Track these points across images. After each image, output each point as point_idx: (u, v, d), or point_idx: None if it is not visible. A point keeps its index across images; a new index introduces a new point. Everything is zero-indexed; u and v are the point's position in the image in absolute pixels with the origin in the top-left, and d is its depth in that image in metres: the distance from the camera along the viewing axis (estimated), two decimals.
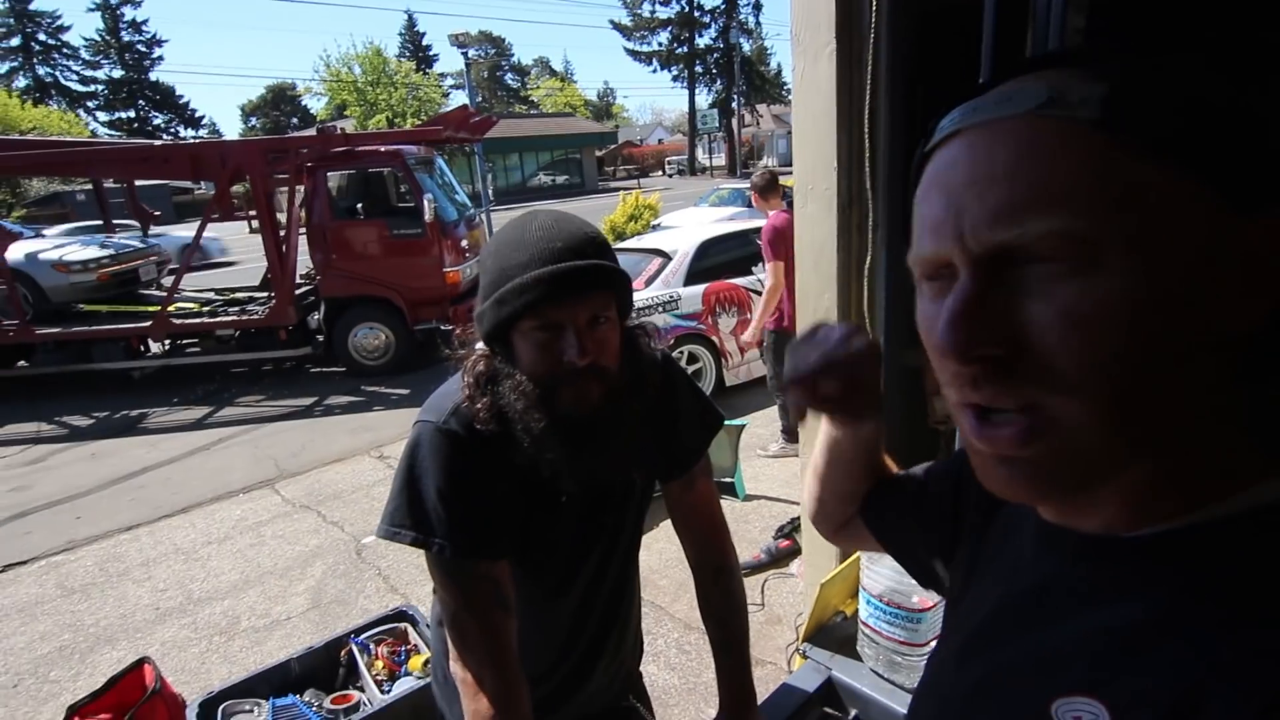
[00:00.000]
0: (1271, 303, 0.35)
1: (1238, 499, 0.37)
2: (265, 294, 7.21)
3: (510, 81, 55.38)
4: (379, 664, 2.31)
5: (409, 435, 0.97)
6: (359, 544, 3.71)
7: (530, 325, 0.89)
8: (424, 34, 47.99)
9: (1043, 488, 0.39)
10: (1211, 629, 0.35)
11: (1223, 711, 0.32)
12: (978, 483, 0.58)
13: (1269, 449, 0.38)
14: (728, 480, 3.85)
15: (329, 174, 6.59)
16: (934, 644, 0.60)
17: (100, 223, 8.67)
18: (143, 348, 7.03)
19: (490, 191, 13.14)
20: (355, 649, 2.35)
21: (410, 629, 2.46)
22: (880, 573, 1.35)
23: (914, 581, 1.30)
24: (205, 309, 7.07)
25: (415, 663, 2.31)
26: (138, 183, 7.90)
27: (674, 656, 2.72)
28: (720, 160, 42.01)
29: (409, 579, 3.36)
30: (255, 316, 6.65)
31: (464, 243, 6.87)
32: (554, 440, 0.90)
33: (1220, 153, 0.34)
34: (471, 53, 13.56)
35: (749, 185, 3.70)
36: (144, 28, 43.48)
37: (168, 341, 6.96)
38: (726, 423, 3.53)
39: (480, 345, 0.98)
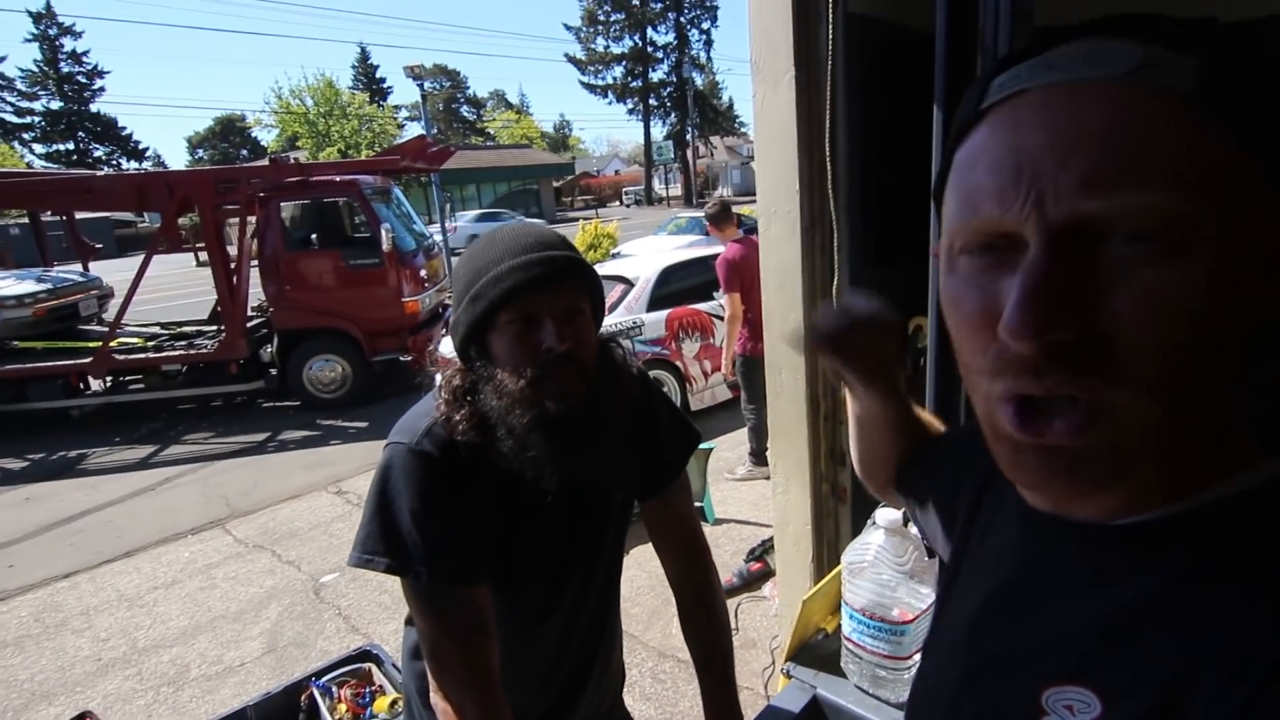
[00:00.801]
0: None
1: (1225, 486, 0.37)
2: (214, 327, 6.99)
3: (466, 114, 55.49)
4: (342, 708, 2.20)
5: (380, 458, 0.94)
6: (317, 583, 3.56)
7: (507, 318, 0.89)
8: (377, 66, 47.87)
9: (1082, 481, 0.37)
10: (1200, 616, 0.34)
11: (1211, 698, 0.32)
12: (970, 471, 0.59)
13: (1256, 436, 0.38)
14: (697, 504, 3.84)
15: (282, 205, 6.46)
16: (919, 655, 0.60)
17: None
18: (82, 385, 6.71)
19: (449, 222, 13.07)
20: (316, 693, 2.24)
21: (375, 669, 2.36)
22: (862, 586, 1.35)
23: (898, 595, 1.31)
24: (150, 344, 6.80)
25: (381, 704, 2.21)
26: (78, 215, 7.62)
27: (649, 686, 2.67)
28: (676, 190, 42.73)
29: (370, 617, 3.24)
30: (204, 350, 6.43)
31: (423, 272, 6.79)
32: (537, 437, 0.89)
33: None
34: (427, 85, 13.59)
35: (704, 214, 3.81)
36: (84, 59, 42.48)
37: (109, 378, 6.68)
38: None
39: (450, 360, 0.97)
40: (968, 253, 0.39)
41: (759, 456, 4.28)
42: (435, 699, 0.91)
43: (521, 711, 1.03)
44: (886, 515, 1.39)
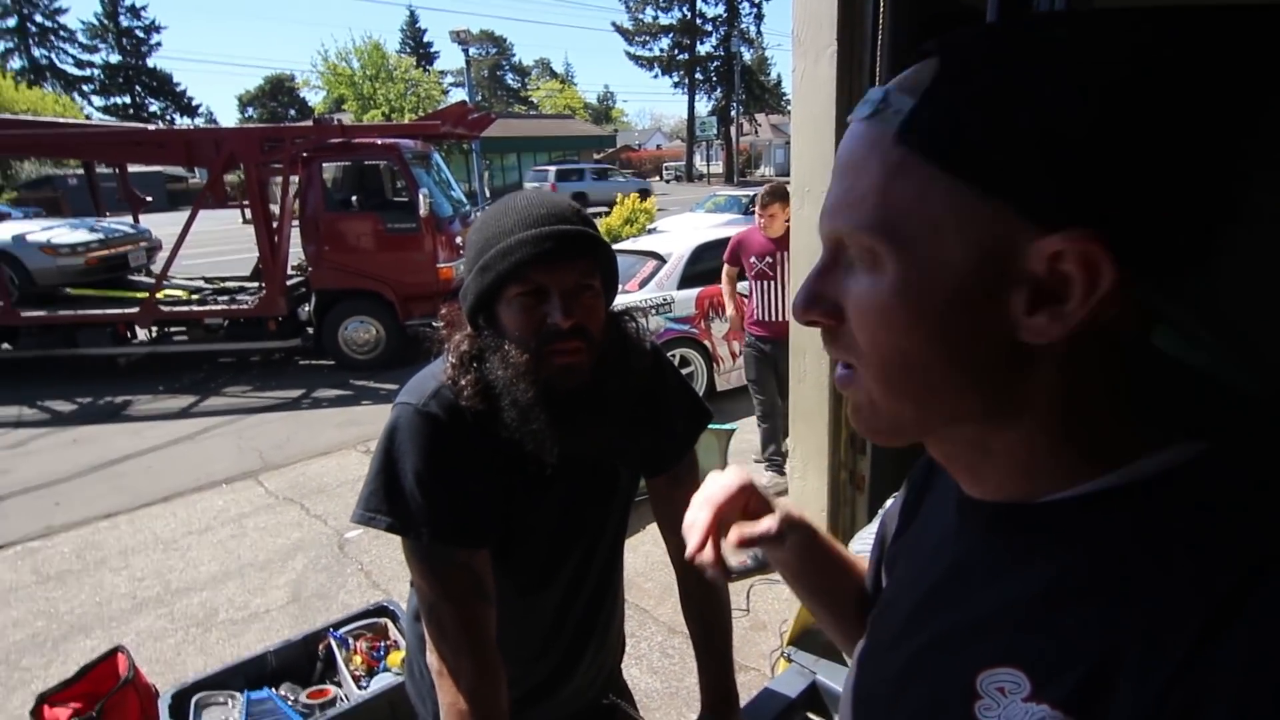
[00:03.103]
0: (1057, 318, 0.35)
1: (1135, 467, 0.38)
2: (255, 284, 7.14)
3: (510, 81, 55.39)
4: (357, 659, 2.27)
5: (388, 417, 0.95)
6: (342, 538, 3.66)
7: (515, 291, 0.88)
8: (425, 30, 48.01)
9: (866, 428, 0.45)
10: (1119, 591, 0.35)
11: (1138, 672, 0.32)
12: (906, 492, 0.63)
13: (1163, 423, 0.39)
14: None
15: (324, 165, 6.54)
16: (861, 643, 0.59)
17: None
18: (129, 334, 6.93)
19: (487, 190, 13.11)
20: (334, 643, 2.31)
21: (390, 624, 2.43)
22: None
23: None
24: (194, 297, 6.99)
25: (394, 659, 2.27)
26: (131, 169, 7.82)
27: (657, 660, 2.69)
28: (718, 168, 42.14)
29: (391, 574, 3.32)
30: (245, 306, 6.58)
31: (458, 239, 6.83)
32: (540, 410, 0.88)
33: (1000, 175, 0.35)
34: (472, 51, 13.56)
35: (758, 198, 3.83)
36: (143, 13, 43.29)
37: (155, 329, 6.88)
38: (717, 427, 3.54)
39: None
40: None
41: (776, 460, 4.07)
42: (431, 659, 0.93)
43: (516, 679, 1.04)
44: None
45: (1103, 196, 0.33)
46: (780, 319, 3.77)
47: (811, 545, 0.70)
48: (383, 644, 2.35)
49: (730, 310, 4.20)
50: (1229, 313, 0.38)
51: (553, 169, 23.57)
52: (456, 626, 0.90)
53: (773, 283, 3.79)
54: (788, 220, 3.54)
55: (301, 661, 2.32)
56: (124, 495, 4.29)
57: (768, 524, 0.64)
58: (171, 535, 3.80)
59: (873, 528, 1.35)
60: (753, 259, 3.82)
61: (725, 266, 4.13)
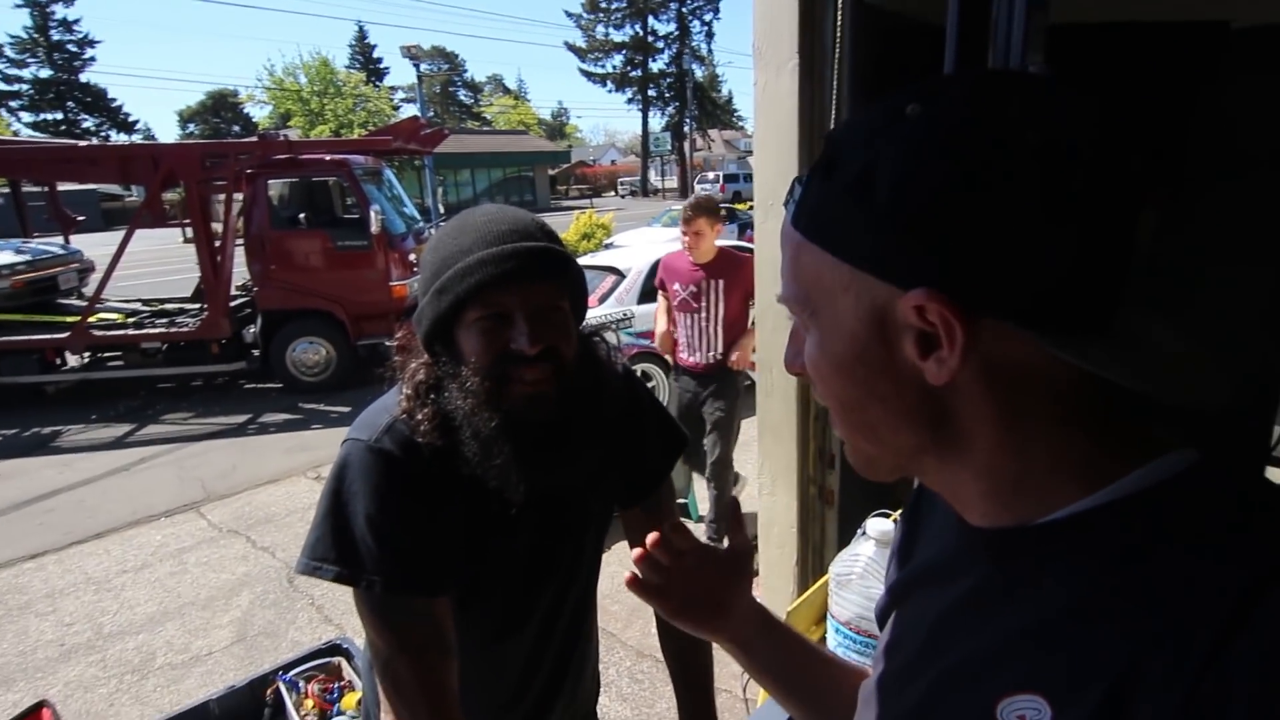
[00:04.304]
0: (944, 362, 0.39)
1: (1122, 484, 0.39)
2: (197, 305, 6.85)
3: (463, 97, 54.94)
4: (309, 703, 2.13)
5: (337, 455, 0.86)
6: (291, 571, 3.48)
7: (475, 315, 0.80)
8: (375, 46, 47.21)
9: (857, 468, 0.49)
10: (1131, 606, 0.36)
11: (1161, 683, 0.33)
12: (899, 532, 0.63)
13: (1141, 439, 0.41)
14: (681, 501, 3.80)
15: (270, 182, 6.34)
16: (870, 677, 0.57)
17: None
18: (59, 361, 6.58)
19: (441, 206, 12.92)
20: (283, 687, 2.17)
21: (345, 663, 2.29)
22: (848, 599, 1.30)
23: None
24: (130, 320, 6.66)
25: (349, 701, 2.14)
26: (63, 187, 7.45)
27: (626, 686, 2.62)
28: (672, 182, 42.56)
29: (345, 608, 3.16)
30: (185, 329, 6.30)
31: (412, 256, 6.68)
32: (504, 444, 0.81)
33: (864, 245, 0.40)
34: (424, 66, 13.41)
35: (681, 213, 3.17)
36: (75, 27, 41.58)
37: (87, 354, 6.55)
38: None
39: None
40: None
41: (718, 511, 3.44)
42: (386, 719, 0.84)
43: None
44: (877, 525, 1.34)
45: (935, 256, 0.37)
46: (707, 358, 3.21)
47: (776, 635, 0.70)
48: (336, 685, 2.21)
49: (661, 327, 3.43)
50: (1140, 346, 0.39)
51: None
52: (414, 683, 0.82)
53: (697, 315, 3.18)
54: (719, 239, 3.16)
55: (248, 709, 2.16)
56: (52, 533, 4.01)
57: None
58: (104, 574, 3.56)
59: (855, 550, 1.31)
60: (676, 287, 3.23)
61: (659, 295, 3.48)
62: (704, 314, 3.19)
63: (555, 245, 0.84)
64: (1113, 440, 0.41)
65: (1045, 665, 0.38)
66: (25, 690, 2.69)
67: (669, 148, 39.75)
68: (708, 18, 38.52)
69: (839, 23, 1.70)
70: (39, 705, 2.13)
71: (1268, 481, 0.38)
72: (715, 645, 1.09)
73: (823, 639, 1.38)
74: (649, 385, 4.55)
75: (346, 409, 6.09)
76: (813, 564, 2.24)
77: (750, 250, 2.90)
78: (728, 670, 2.61)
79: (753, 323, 3.16)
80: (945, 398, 0.41)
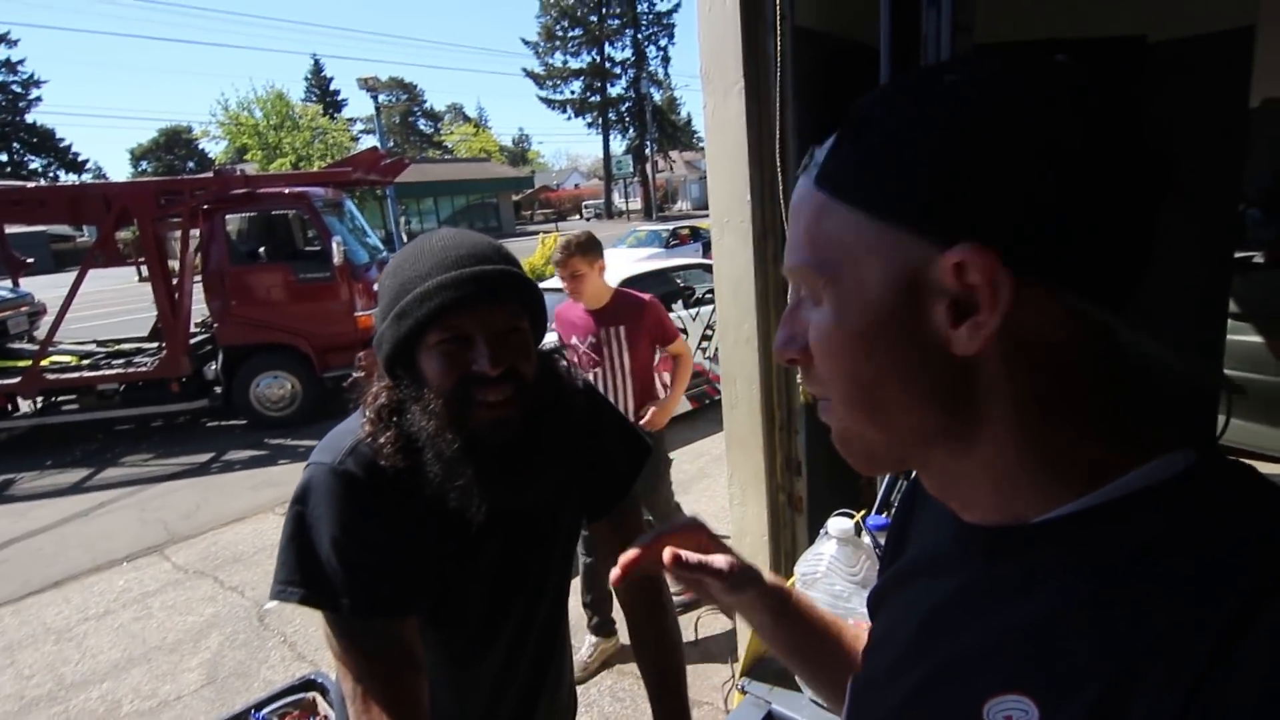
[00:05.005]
0: (977, 329, 0.38)
1: (1120, 483, 0.39)
2: (155, 344, 6.71)
3: (423, 127, 54.91)
4: None
5: (300, 480, 0.87)
6: (261, 609, 3.41)
7: (436, 338, 0.82)
8: (331, 79, 47.02)
9: (849, 456, 0.47)
10: (1126, 613, 0.35)
11: (1156, 689, 0.32)
12: (890, 526, 0.63)
13: (1141, 439, 0.40)
14: None
15: (228, 217, 6.28)
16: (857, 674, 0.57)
17: None
18: (10, 407, 6.37)
19: (404, 235, 12.87)
20: None
21: (320, 698, 2.25)
22: (815, 598, 1.33)
23: (851, 605, 1.29)
24: (85, 362, 6.49)
25: None
26: (10, 229, 7.25)
27: (608, 705, 2.61)
28: (636, 204, 42.94)
29: (318, 643, 3.11)
30: (144, 369, 6.16)
31: (376, 285, 6.64)
32: (466, 464, 0.82)
33: (897, 202, 0.39)
34: (382, 98, 13.42)
35: (559, 253, 2.69)
36: (20, 67, 40.72)
37: (40, 399, 6.36)
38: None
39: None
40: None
41: (599, 620, 2.87)
42: None
43: None
44: (839, 524, 1.39)
45: (988, 211, 0.37)
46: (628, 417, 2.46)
47: (785, 607, 0.67)
48: None
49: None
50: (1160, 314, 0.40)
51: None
52: (384, 705, 0.82)
53: (601, 370, 2.77)
54: (603, 278, 2.73)
55: None
56: (8, 584, 3.87)
57: (721, 561, 0.63)
58: (65, 624, 3.45)
59: (818, 549, 1.35)
60: (575, 341, 2.82)
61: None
62: (608, 367, 2.77)
63: (512, 268, 0.86)
64: (1114, 438, 0.40)
65: (1035, 667, 0.38)
66: None
67: (631, 170, 40.18)
68: (663, 43, 39.27)
69: (779, 47, 1.78)
70: None
71: (1266, 481, 0.37)
72: (687, 655, 1.11)
73: None
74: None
75: (313, 442, 5.87)
76: (785, 569, 2.28)
77: (643, 297, 2.80)
78: (707, 684, 2.63)
79: (668, 390, 2.92)
80: (968, 374, 0.39)
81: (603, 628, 2.84)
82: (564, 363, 1.00)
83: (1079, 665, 0.35)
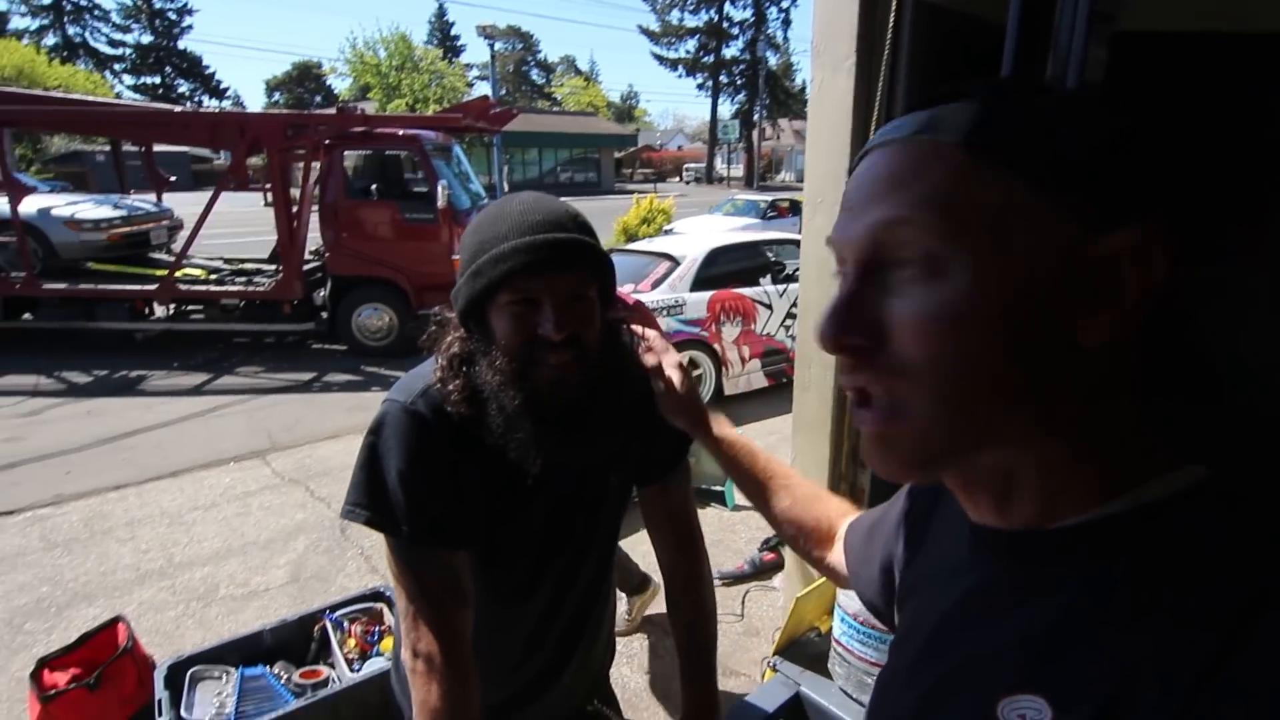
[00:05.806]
0: (1114, 316, 0.37)
1: (1147, 489, 0.39)
2: (273, 266, 7.22)
3: (535, 77, 55.52)
4: (351, 642, 2.30)
5: (376, 412, 0.94)
6: (344, 522, 3.70)
7: (506, 299, 0.86)
8: (453, 24, 48.40)
9: (903, 465, 0.43)
10: (1135, 618, 0.36)
11: (1158, 694, 0.33)
12: (911, 513, 0.63)
13: (1172, 445, 0.41)
14: (718, 489, 3.84)
15: (346, 153, 6.61)
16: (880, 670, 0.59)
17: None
18: (147, 310, 7.04)
19: (506, 184, 13.16)
20: (329, 625, 2.34)
21: (386, 609, 2.45)
22: None
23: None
24: (212, 277, 7.07)
25: (388, 644, 2.29)
26: (157, 148, 7.93)
27: (648, 660, 2.70)
28: (738, 171, 42.06)
29: None
30: (261, 288, 6.65)
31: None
32: (526, 420, 0.87)
33: (1067, 174, 0.37)
34: (498, 46, 13.62)
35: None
36: None
37: (172, 306, 6.97)
38: None
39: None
40: (839, 267, 0.46)
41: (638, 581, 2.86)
42: (405, 656, 0.92)
43: (498, 684, 1.04)
44: None
45: (1160, 192, 0.36)
46: None
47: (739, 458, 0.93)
48: (377, 629, 2.37)
49: None
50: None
51: None
52: (432, 626, 0.89)
53: None
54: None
55: (297, 641, 2.35)
56: (134, 468, 4.35)
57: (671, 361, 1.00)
58: (178, 510, 3.85)
59: None
60: None
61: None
62: None
63: (586, 237, 0.89)
64: (1138, 450, 0.41)
65: (1049, 667, 0.38)
66: (104, 606, 2.96)
67: (737, 136, 39.24)
68: (785, 4, 37.77)
69: (900, 23, 1.70)
70: (115, 620, 2.35)
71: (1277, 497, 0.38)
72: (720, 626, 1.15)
73: (830, 630, 1.42)
74: (696, 373, 4.39)
75: (404, 374, 6.33)
76: None
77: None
78: (747, 657, 2.67)
79: None
80: (1075, 369, 0.39)
81: (642, 586, 2.92)
82: (628, 334, 1.02)
83: (1090, 668, 0.36)
